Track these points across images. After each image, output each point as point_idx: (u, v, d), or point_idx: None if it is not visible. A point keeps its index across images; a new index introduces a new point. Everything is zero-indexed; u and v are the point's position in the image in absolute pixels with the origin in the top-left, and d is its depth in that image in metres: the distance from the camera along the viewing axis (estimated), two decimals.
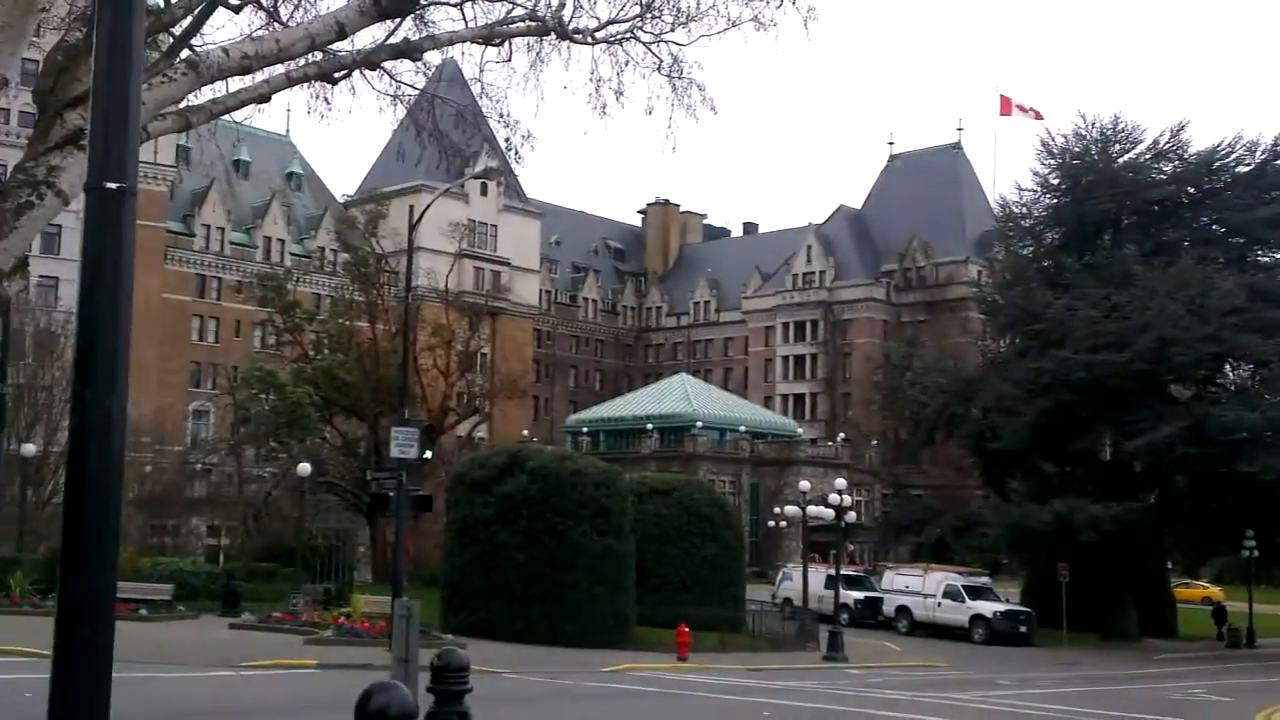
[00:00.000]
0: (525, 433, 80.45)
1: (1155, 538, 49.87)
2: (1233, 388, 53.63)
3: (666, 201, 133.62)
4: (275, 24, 11.80)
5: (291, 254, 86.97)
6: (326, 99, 13.11)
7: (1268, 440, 46.78)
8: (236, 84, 10.80)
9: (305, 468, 42.04)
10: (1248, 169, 53.91)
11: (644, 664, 30.05)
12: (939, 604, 48.52)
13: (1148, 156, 54.91)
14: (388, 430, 33.69)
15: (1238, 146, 54.04)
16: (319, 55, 11.35)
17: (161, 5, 10.48)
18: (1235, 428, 46.67)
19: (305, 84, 11.96)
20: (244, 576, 39.99)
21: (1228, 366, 53.61)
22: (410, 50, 12.25)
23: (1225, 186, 54.51)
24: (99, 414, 4.24)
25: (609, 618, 33.71)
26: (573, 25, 13.44)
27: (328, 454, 53.56)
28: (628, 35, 14.04)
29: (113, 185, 4.32)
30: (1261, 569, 67.99)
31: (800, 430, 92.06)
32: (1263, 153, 53.71)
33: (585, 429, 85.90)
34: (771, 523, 70.50)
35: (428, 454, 42.38)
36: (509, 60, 13.96)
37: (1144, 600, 53.28)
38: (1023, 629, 47.15)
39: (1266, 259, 55.03)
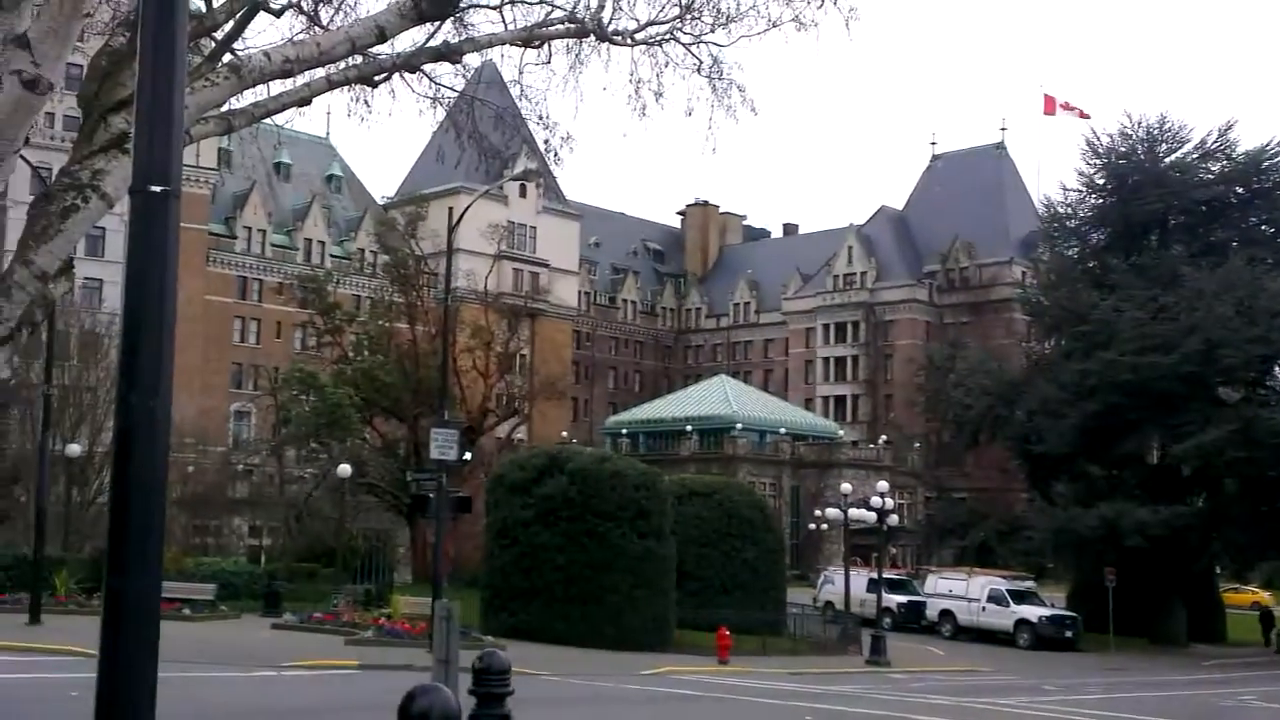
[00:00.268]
0: (564, 434, 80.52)
1: (1204, 542, 49.17)
2: None
3: (706, 203, 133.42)
4: (316, 28, 11.82)
5: (332, 256, 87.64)
6: (366, 102, 13.11)
7: None
8: (278, 87, 10.80)
9: (345, 469, 42.25)
10: None
11: (685, 667, 29.94)
12: (983, 608, 48.08)
13: (1195, 156, 54.28)
14: (427, 431, 33.85)
15: None
16: (359, 58, 11.35)
17: (204, 10, 10.54)
18: None
19: (345, 87, 11.95)
20: (285, 577, 40.28)
21: (1277, 369, 52.82)
22: (450, 53, 12.24)
23: (1275, 186, 53.80)
24: (143, 415, 4.28)
25: (649, 620, 33.64)
26: (612, 27, 13.38)
27: (368, 455, 53.86)
28: (667, 36, 13.97)
29: (157, 188, 4.36)
30: None
31: (841, 432, 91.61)
32: None
33: (624, 430, 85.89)
34: (812, 525, 70.20)
35: (467, 455, 42.51)
36: (548, 62, 13.90)
37: (1192, 605, 52.59)
38: (1068, 634, 46.66)
39: None
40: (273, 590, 37.15)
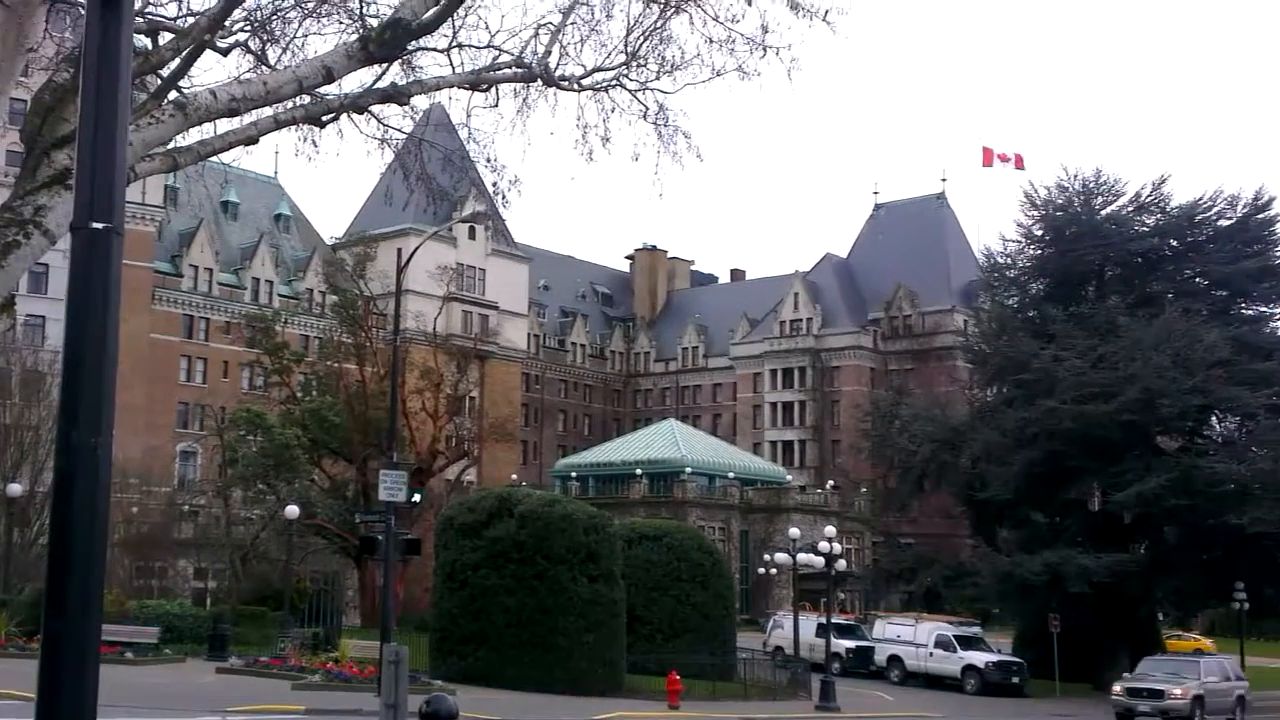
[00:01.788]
0: (514, 476, 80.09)
1: (1146, 589, 49.62)
2: (1220, 440, 53.55)
3: (654, 247, 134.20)
4: (263, 67, 11.90)
5: (280, 295, 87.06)
6: (314, 141, 13.16)
7: (1255, 492, 46.84)
8: (224, 126, 10.85)
9: (293, 510, 41.76)
10: (1229, 222, 54.09)
11: (636, 712, 29.82)
12: (931, 654, 48.17)
13: (1130, 209, 55.10)
14: (376, 473, 33.60)
15: (1219, 200, 54.31)
16: (306, 98, 11.37)
17: (150, 47, 10.54)
18: (1223, 480, 46.66)
19: (293, 126, 11.97)
20: (231, 620, 39.61)
21: (1214, 418, 53.55)
22: (397, 95, 12.30)
23: (1208, 240, 54.61)
24: (84, 454, 4.23)
25: (600, 664, 33.42)
26: (559, 72, 13.51)
27: (316, 496, 53.28)
28: (613, 83, 14.12)
29: (99, 225, 4.33)
30: (1253, 621, 67.88)
31: (789, 477, 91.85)
32: (1244, 207, 53.96)
33: (574, 473, 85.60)
34: (761, 570, 70.06)
35: (416, 497, 42.23)
36: (496, 105, 14.03)
37: (1136, 651, 52.86)
38: (1015, 679, 46.81)
39: (1250, 312, 55.11)
40: (218, 633, 36.52)
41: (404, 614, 45.16)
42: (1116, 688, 37.91)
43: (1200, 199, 54.72)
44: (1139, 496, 47.11)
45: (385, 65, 11.87)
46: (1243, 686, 39.89)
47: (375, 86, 12.20)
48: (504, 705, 27.74)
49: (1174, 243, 55.49)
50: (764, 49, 14.32)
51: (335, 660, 31.36)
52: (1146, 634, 55.15)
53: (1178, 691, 36.13)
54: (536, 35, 13.41)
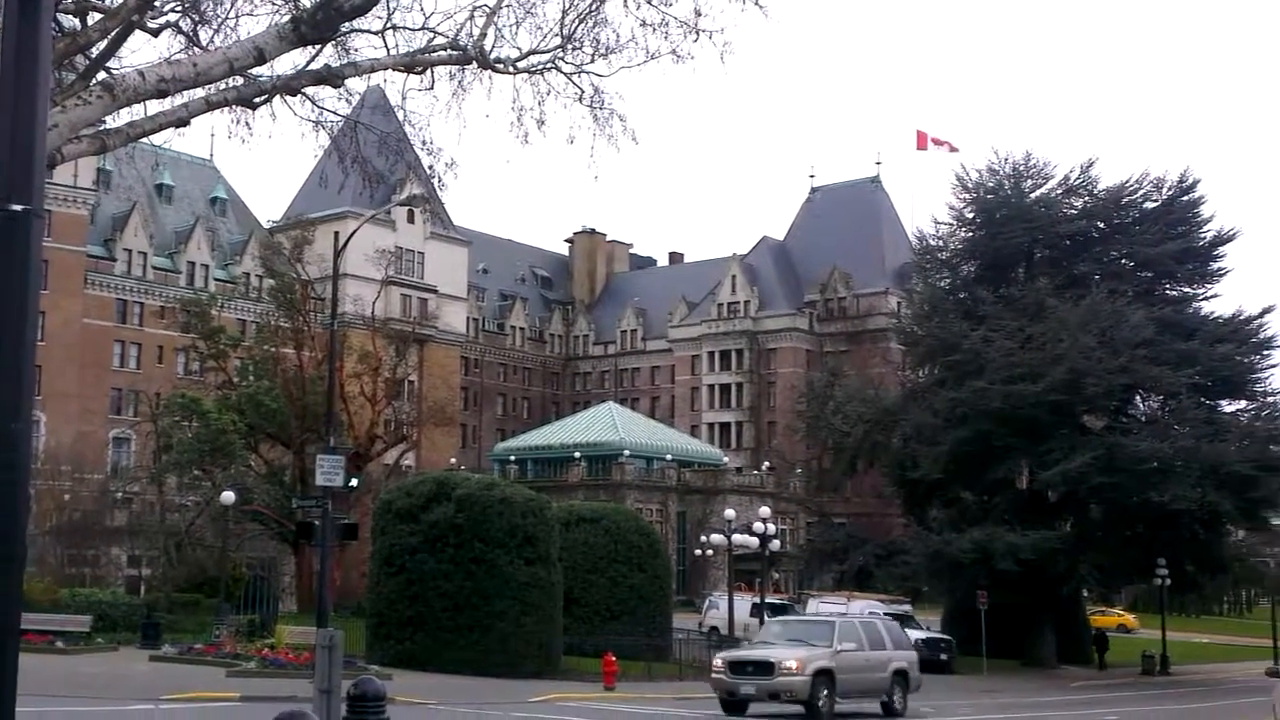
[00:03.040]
0: (453, 460, 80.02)
1: (1071, 566, 50.40)
2: (1143, 419, 54.43)
3: (593, 231, 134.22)
4: (194, 48, 11.80)
5: (216, 279, 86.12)
6: (247, 124, 13.10)
7: (1177, 470, 47.65)
8: (154, 107, 10.80)
9: (229, 496, 41.57)
10: (1155, 205, 55.08)
11: (572, 693, 30.02)
12: None
13: (1059, 192, 55.87)
14: (314, 458, 33.49)
15: (1145, 183, 55.29)
16: (238, 80, 11.33)
17: (78, 27, 10.44)
18: (1146, 458, 47.49)
19: (225, 108, 11.95)
20: (166, 607, 39.42)
21: (1138, 398, 54.45)
22: (331, 77, 12.28)
23: (1134, 222, 55.50)
24: (2, 438, 4.19)
25: (536, 647, 33.75)
26: (494, 55, 13.53)
27: (252, 482, 53.01)
28: (549, 66, 14.15)
29: (17, 207, 4.30)
30: (1174, 596, 69.59)
31: (726, 459, 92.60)
32: (1169, 189, 54.95)
33: (513, 457, 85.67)
34: (698, 551, 70.73)
35: (354, 482, 42.11)
36: (431, 88, 14.02)
37: (1061, 628, 54.09)
38: (943, 656, 47.45)
39: (1174, 293, 56.05)
40: (152, 621, 36.34)
41: (341, 599, 45.17)
42: (717, 662, 27.56)
43: (1127, 182, 55.70)
44: (1065, 475, 48.02)
45: (318, 47, 11.86)
46: (907, 658, 29.76)
47: (308, 68, 12.19)
48: (440, 688, 27.91)
49: (1101, 225, 56.30)
50: (697, 32, 14.39)
51: (271, 647, 31.32)
52: (1071, 610, 56.46)
53: (792, 664, 25.46)
54: (472, 18, 13.39)
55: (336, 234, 33.83)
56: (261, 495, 52.51)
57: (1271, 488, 51.15)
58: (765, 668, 25.67)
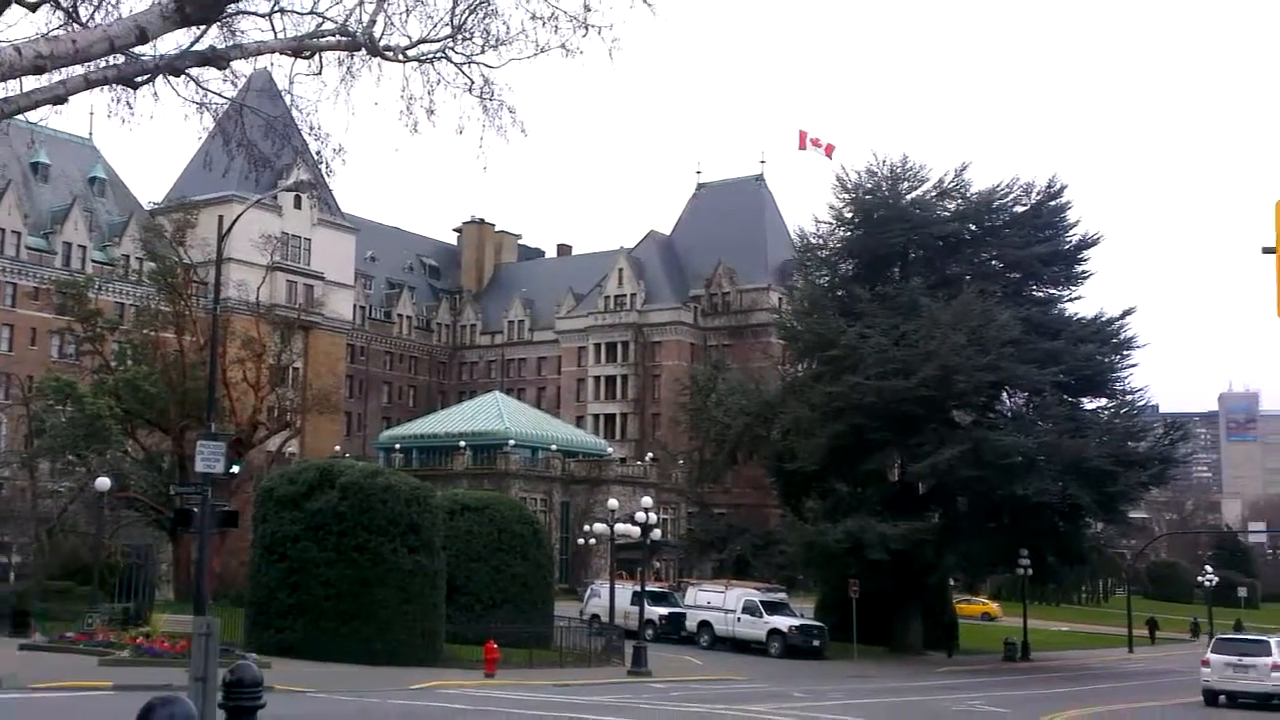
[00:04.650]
0: (337, 448, 79.54)
1: (938, 555, 52.00)
2: (1009, 414, 56.26)
3: (482, 221, 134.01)
4: (74, 24, 11.59)
5: (93, 261, 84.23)
6: (129, 103, 12.83)
7: (1040, 464, 49.54)
8: (31, 83, 10.55)
9: (104, 482, 40.94)
10: (1023, 209, 57.00)
11: (452, 681, 30.20)
12: (739, 619, 50.02)
13: (933, 194, 57.45)
14: (193, 444, 33.30)
15: (1014, 188, 57.17)
16: (120, 58, 11.14)
17: None
18: (1011, 452, 49.01)
19: (105, 87, 11.71)
20: (38, 596, 38.76)
21: (1005, 394, 56.14)
22: (216, 58, 12.13)
23: (1004, 225, 57.41)
24: None
25: (419, 635, 33.82)
26: (383, 42, 13.50)
27: (129, 468, 52.15)
28: (439, 55, 14.16)
29: None
30: (1035, 585, 72.52)
31: (610, 449, 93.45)
32: (1037, 194, 56.91)
33: (398, 445, 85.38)
34: (581, 540, 71.49)
35: (235, 469, 41.84)
36: (319, 73, 13.91)
37: (928, 615, 55.92)
38: (816, 643, 48.91)
39: (1041, 294, 58.12)
40: (22, 610, 35.75)
41: (221, 588, 44.84)
42: None
43: (997, 186, 57.54)
44: (934, 468, 49.73)
45: (203, 27, 11.74)
46: None
47: (193, 49, 12.03)
48: (321, 677, 27.94)
49: (973, 227, 58.00)
50: (586, 27, 14.38)
51: (145, 635, 30.94)
52: (938, 599, 58.46)
53: None
54: (361, 4, 13.32)
55: (221, 218, 33.60)
56: (139, 482, 51.74)
57: (1128, 482, 53.32)
58: None
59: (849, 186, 57.51)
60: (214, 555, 38.69)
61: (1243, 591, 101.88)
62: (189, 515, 27.70)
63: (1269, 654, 34.71)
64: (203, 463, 26.68)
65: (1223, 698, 34.95)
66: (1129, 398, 56.34)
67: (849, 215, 57.87)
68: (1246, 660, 34.62)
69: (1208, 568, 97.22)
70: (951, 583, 64.36)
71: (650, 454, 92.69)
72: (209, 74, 12.95)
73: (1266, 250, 17.43)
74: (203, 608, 24.64)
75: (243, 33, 13.02)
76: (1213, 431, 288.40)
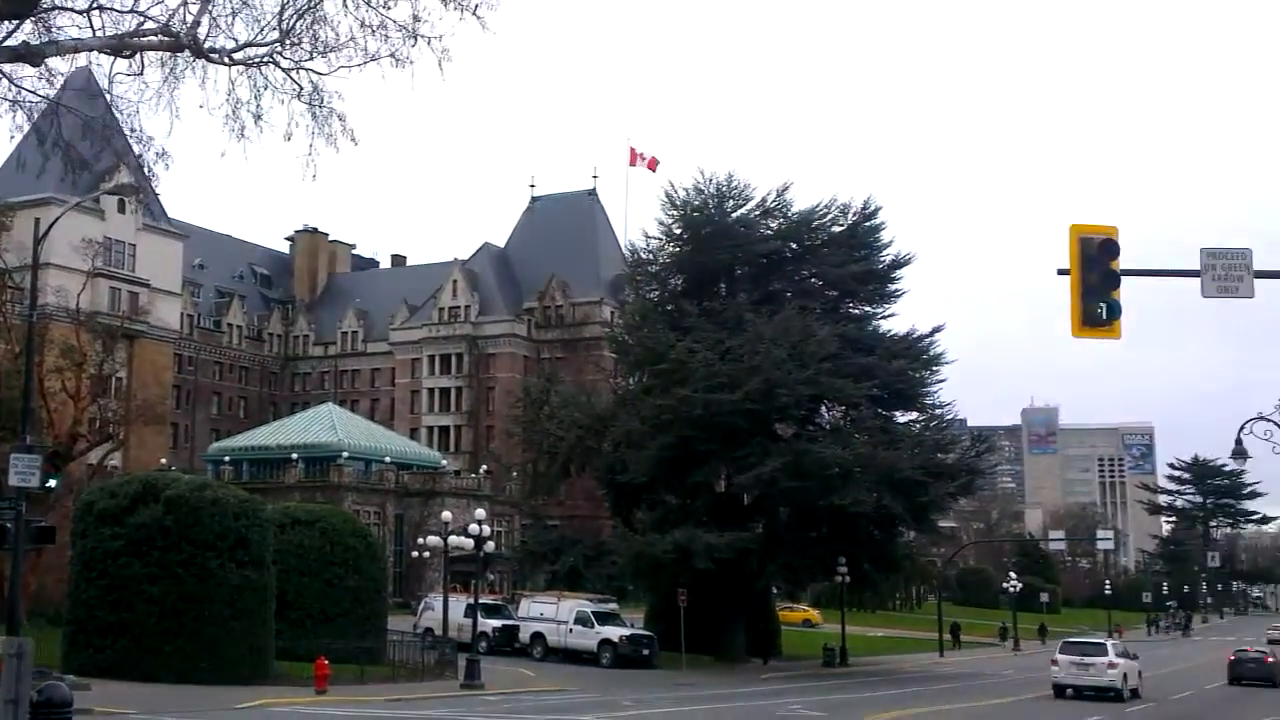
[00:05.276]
0: (164, 461, 77.53)
1: (762, 565, 53.28)
2: (828, 427, 57.84)
3: (315, 229, 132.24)
4: None
5: None
6: None
7: (856, 475, 51.18)
8: None
9: None
10: (841, 229, 58.86)
11: (282, 699, 30.06)
12: (571, 630, 50.64)
13: (757, 213, 58.76)
14: (6, 457, 32.43)
15: (833, 208, 58.93)
16: None
17: None
18: (829, 464, 50.51)
19: None
20: None
21: (824, 408, 57.72)
22: (30, 55, 11.97)
23: (822, 244, 59.16)
24: None
25: (247, 652, 33.43)
26: (208, 44, 13.41)
27: None
28: (267, 59, 14.10)
29: None
30: (853, 593, 75.28)
31: (445, 462, 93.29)
32: (854, 215, 58.86)
33: (228, 458, 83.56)
34: (415, 554, 71.27)
35: (52, 482, 40.68)
36: (141, 74, 13.66)
37: (752, 623, 57.42)
38: (645, 652, 49.83)
39: (857, 311, 60.06)
40: None
41: (36, 607, 43.45)
42: None
43: (817, 206, 59.19)
44: (757, 479, 51.10)
45: (17, 21, 11.67)
46: None
47: (5, 44, 11.95)
48: (144, 697, 27.56)
49: (794, 245, 59.54)
50: (415, 37, 14.64)
51: None
52: (761, 606, 60.11)
53: None
54: (185, 4, 13.21)
55: (38, 220, 32.56)
56: None
57: (938, 492, 55.54)
58: None
59: (677, 203, 58.39)
60: (29, 572, 37.57)
61: (1044, 597, 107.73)
62: (2, 531, 27.00)
63: (1106, 654, 42.13)
64: (16, 476, 25.96)
65: (1069, 690, 41.13)
66: (938, 411, 58.52)
67: (678, 231, 58.82)
68: (1088, 659, 41.68)
69: (1012, 574, 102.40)
70: (774, 591, 65.97)
71: (484, 466, 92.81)
72: (24, 70, 12.68)
73: (1061, 272, 17.89)
74: (16, 628, 24.01)
75: (60, 29, 12.76)
76: (1016, 444, 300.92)
